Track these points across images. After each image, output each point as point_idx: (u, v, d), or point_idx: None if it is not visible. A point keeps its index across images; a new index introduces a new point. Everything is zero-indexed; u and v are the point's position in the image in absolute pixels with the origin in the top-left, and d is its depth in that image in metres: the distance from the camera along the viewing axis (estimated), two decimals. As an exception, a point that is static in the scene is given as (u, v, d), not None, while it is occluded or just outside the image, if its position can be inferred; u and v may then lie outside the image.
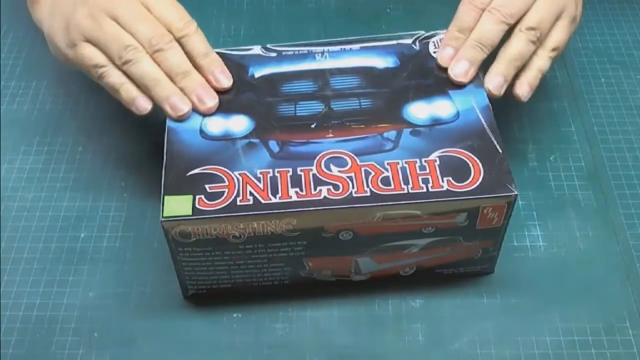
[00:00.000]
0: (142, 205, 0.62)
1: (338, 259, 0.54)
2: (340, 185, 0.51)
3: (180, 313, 0.56)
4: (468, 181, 0.51)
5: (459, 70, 0.57)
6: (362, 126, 0.55)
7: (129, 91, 0.55)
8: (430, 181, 0.51)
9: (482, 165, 0.52)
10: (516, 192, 0.50)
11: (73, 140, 0.67)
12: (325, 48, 0.60)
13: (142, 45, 0.55)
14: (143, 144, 0.66)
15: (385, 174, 0.51)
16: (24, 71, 0.73)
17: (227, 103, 0.56)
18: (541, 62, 0.58)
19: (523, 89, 0.57)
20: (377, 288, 0.57)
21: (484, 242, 0.55)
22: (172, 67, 0.55)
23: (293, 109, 0.56)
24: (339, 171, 0.52)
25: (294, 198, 0.50)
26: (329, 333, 0.55)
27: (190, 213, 0.49)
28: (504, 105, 0.58)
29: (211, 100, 0.56)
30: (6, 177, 0.64)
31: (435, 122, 0.55)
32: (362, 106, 0.56)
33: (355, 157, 0.52)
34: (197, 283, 0.55)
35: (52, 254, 0.59)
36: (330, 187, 0.51)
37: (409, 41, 0.60)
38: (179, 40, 0.56)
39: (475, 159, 0.52)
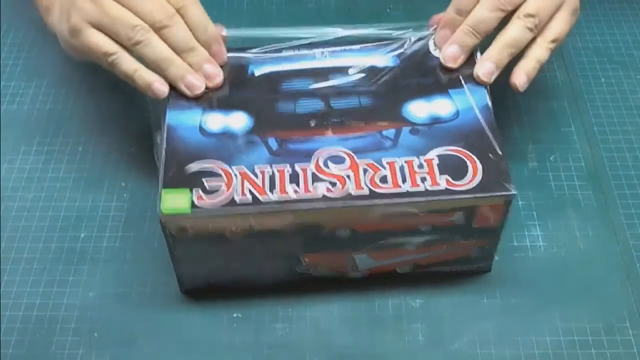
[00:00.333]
0: (142, 205, 0.62)
1: (335, 255, 0.55)
2: (338, 183, 0.51)
3: (181, 313, 0.56)
4: (466, 180, 0.51)
5: (449, 54, 0.57)
6: (361, 124, 0.55)
7: (143, 77, 0.56)
8: (428, 179, 0.51)
9: (481, 165, 0.52)
10: (514, 192, 0.50)
11: (73, 140, 0.67)
12: (325, 48, 0.60)
13: (147, 23, 0.55)
14: (143, 144, 0.66)
15: (384, 172, 0.51)
16: (24, 71, 0.73)
17: (227, 100, 0.57)
18: (540, 51, 0.57)
19: (520, 78, 0.56)
20: (377, 288, 0.57)
21: (480, 240, 0.55)
22: (178, 43, 0.56)
23: (293, 106, 0.56)
24: (337, 169, 0.52)
25: (292, 195, 0.50)
26: (329, 333, 0.55)
27: (189, 208, 0.50)
28: (504, 105, 0.58)
29: (219, 76, 0.57)
30: (6, 177, 0.64)
31: (435, 120, 0.55)
32: (362, 104, 0.56)
33: (353, 155, 0.52)
34: (194, 278, 0.55)
35: (52, 254, 0.59)
36: (328, 184, 0.51)
37: (409, 38, 0.60)
38: (178, 11, 0.56)
39: (474, 157, 0.52)
